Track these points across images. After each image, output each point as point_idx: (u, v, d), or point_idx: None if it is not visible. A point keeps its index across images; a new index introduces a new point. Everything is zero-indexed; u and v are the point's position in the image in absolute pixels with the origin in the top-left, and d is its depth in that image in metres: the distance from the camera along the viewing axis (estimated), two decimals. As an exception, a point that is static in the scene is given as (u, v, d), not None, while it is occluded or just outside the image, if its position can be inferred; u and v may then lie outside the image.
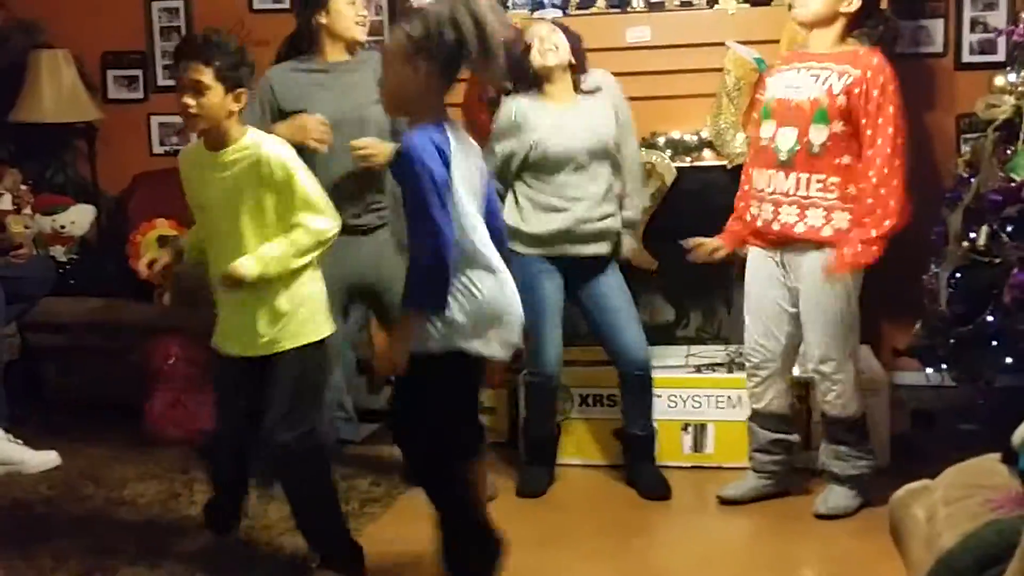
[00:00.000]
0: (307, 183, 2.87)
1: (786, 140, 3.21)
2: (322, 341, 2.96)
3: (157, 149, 5.27)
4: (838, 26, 3.23)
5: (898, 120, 3.16)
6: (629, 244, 3.66)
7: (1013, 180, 3.60)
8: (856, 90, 3.13)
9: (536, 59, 3.49)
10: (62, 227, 4.88)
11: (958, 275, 3.68)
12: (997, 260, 3.57)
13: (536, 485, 3.64)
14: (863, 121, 3.15)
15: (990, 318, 3.57)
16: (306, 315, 2.92)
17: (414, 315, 2.52)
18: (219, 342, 3.00)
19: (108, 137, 5.17)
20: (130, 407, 4.29)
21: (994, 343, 3.59)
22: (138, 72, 5.26)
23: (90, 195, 5.10)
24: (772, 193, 3.25)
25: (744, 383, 3.58)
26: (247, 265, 2.81)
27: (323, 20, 3.46)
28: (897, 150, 3.14)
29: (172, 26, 5.19)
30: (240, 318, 2.92)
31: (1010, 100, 3.69)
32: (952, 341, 3.69)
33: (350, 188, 3.43)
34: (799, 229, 3.22)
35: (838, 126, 3.15)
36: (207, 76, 2.78)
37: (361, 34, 3.51)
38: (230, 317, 2.96)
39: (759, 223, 3.31)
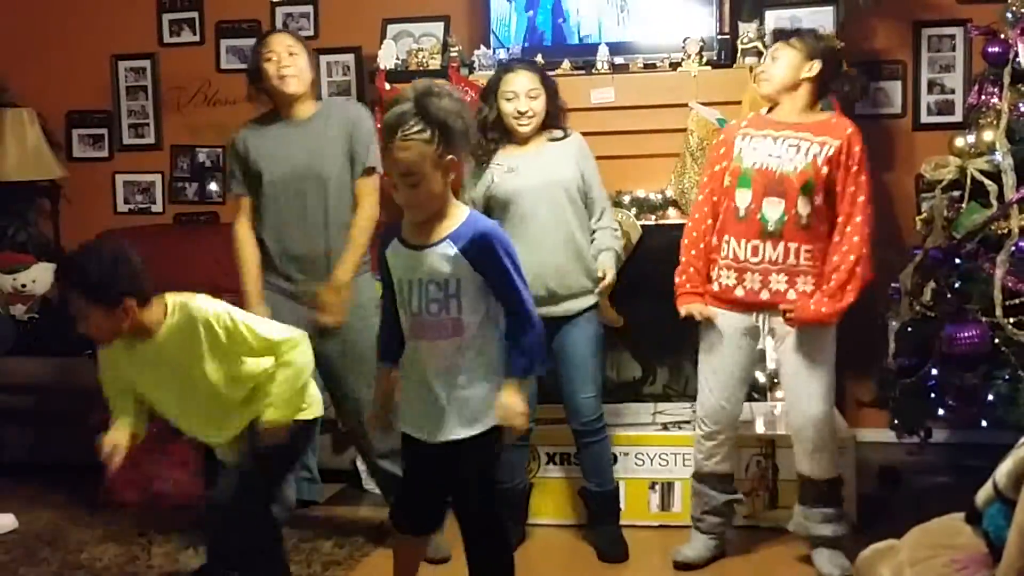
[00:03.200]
0: (252, 328, 2.82)
1: (773, 210, 3.21)
2: (311, 421, 2.97)
3: (121, 207, 5.27)
4: (804, 92, 3.26)
5: (869, 189, 3.22)
6: (605, 263, 3.51)
7: (955, 238, 3.69)
8: (838, 159, 3.17)
9: (511, 123, 3.49)
10: (23, 286, 4.83)
11: (909, 329, 3.74)
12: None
13: None
14: (840, 189, 3.19)
15: (934, 371, 3.66)
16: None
17: (524, 379, 2.62)
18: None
19: (72, 195, 5.15)
20: (89, 469, 4.20)
21: (932, 396, 3.68)
22: (103, 131, 5.27)
23: (52, 253, 5.06)
24: (760, 263, 3.24)
25: None
26: (277, 417, 2.82)
27: (263, 84, 3.53)
28: (868, 220, 3.20)
29: (139, 85, 5.21)
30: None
31: (955, 161, 3.79)
32: (897, 394, 3.77)
33: (305, 247, 3.49)
34: (791, 296, 3.22)
35: (819, 199, 3.19)
36: (81, 302, 2.70)
37: (286, 85, 3.49)
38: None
39: (738, 292, 3.28)
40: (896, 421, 3.88)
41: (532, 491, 3.79)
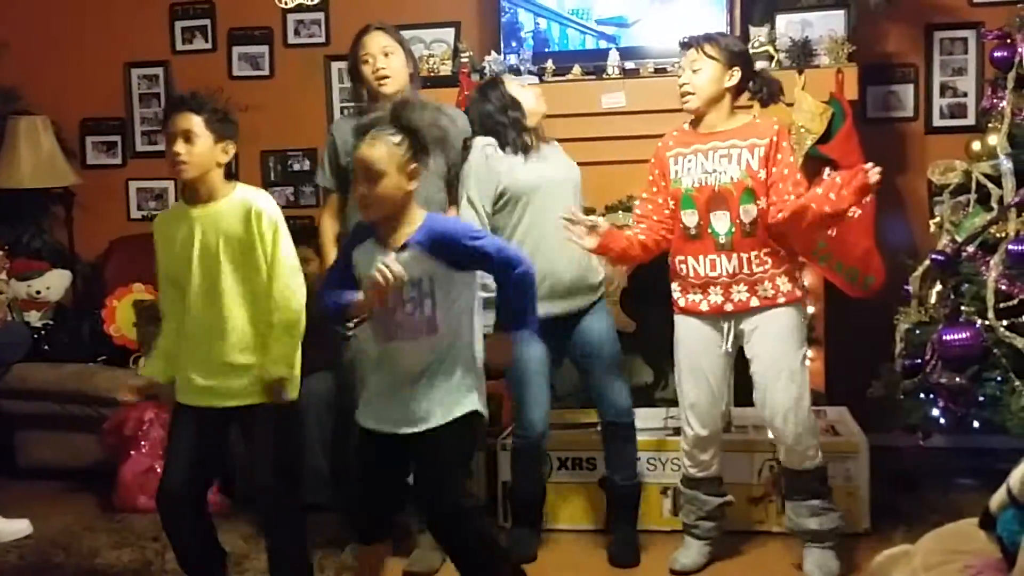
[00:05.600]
0: (288, 251, 2.93)
1: (722, 224, 3.21)
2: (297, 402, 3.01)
3: (135, 214, 5.30)
4: (726, 101, 3.26)
5: (799, 170, 3.25)
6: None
7: (956, 240, 3.71)
8: (768, 159, 3.19)
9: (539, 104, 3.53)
10: (38, 292, 4.86)
11: (917, 331, 3.78)
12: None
13: (525, 548, 3.58)
14: (775, 181, 3.18)
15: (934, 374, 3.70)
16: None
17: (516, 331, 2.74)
18: (187, 396, 2.98)
19: (86, 202, 5.18)
20: (103, 474, 4.24)
21: (931, 396, 3.72)
22: (117, 138, 5.29)
23: (66, 260, 5.09)
24: (719, 276, 3.24)
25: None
26: (281, 372, 2.88)
27: (361, 84, 3.56)
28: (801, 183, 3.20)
29: (151, 93, 5.24)
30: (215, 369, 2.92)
31: (961, 165, 3.80)
32: (900, 394, 3.81)
33: None
34: (754, 303, 3.23)
35: (762, 202, 3.19)
36: (197, 125, 2.86)
37: (382, 87, 3.48)
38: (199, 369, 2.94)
39: (703, 307, 3.28)
40: (900, 421, 3.91)
41: (545, 496, 3.79)
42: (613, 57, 4.23)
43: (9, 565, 3.65)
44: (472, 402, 2.69)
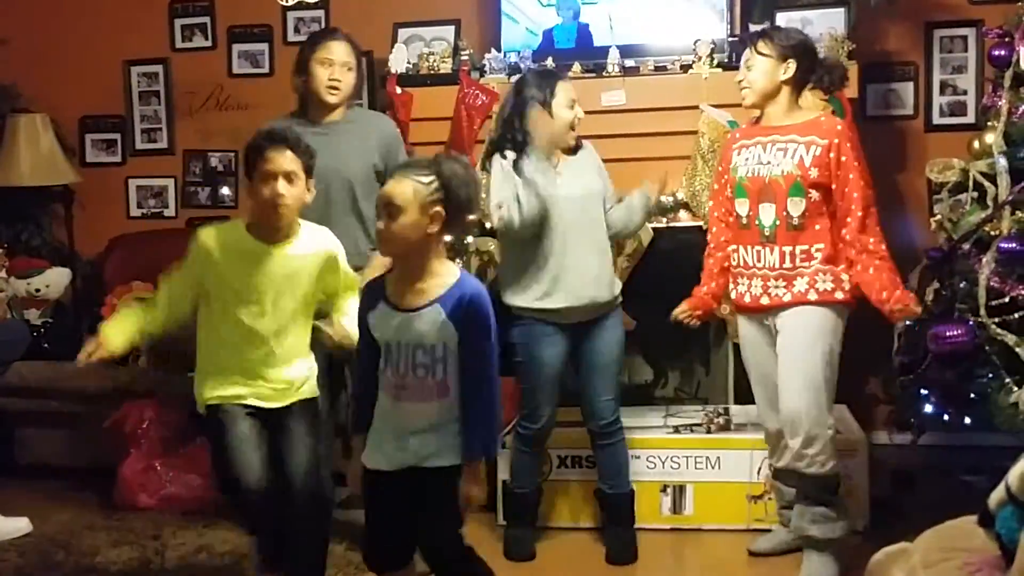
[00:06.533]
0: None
1: (767, 215, 3.24)
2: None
3: (134, 212, 5.29)
4: (785, 94, 3.27)
5: (866, 175, 3.23)
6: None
7: (953, 238, 3.73)
8: (826, 160, 3.18)
9: (567, 134, 3.48)
10: (37, 290, 4.86)
11: (916, 329, 3.78)
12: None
13: (523, 547, 3.60)
14: (834, 187, 3.19)
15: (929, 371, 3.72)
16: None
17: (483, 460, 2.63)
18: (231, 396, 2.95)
19: (85, 200, 5.17)
20: (103, 472, 4.24)
21: (925, 393, 3.74)
22: (116, 136, 5.29)
23: (66, 258, 5.09)
24: (762, 268, 3.27)
25: (724, 443, 3.66)
26: (351, 331, 2.90)
27: (306, 83, 3.55)
28: (870, 200, 3.22)
29: (151, 90, 5.24)
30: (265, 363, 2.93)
31: (959, 164, 3.81)
32: (897, 391, 3.85)
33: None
34: (787, 299, 3.24)
35: (813, 195, 3.19)
36: (298, 166, 2.86)
37: (330, 96, 3.53)
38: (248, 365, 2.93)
39: (746, 299, 3.32)
40: (895, 418, 3.93)
41: (544, 494, 3.79)
42: (613, 55, 4.23)
43: (9, 563, 3.65)
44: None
